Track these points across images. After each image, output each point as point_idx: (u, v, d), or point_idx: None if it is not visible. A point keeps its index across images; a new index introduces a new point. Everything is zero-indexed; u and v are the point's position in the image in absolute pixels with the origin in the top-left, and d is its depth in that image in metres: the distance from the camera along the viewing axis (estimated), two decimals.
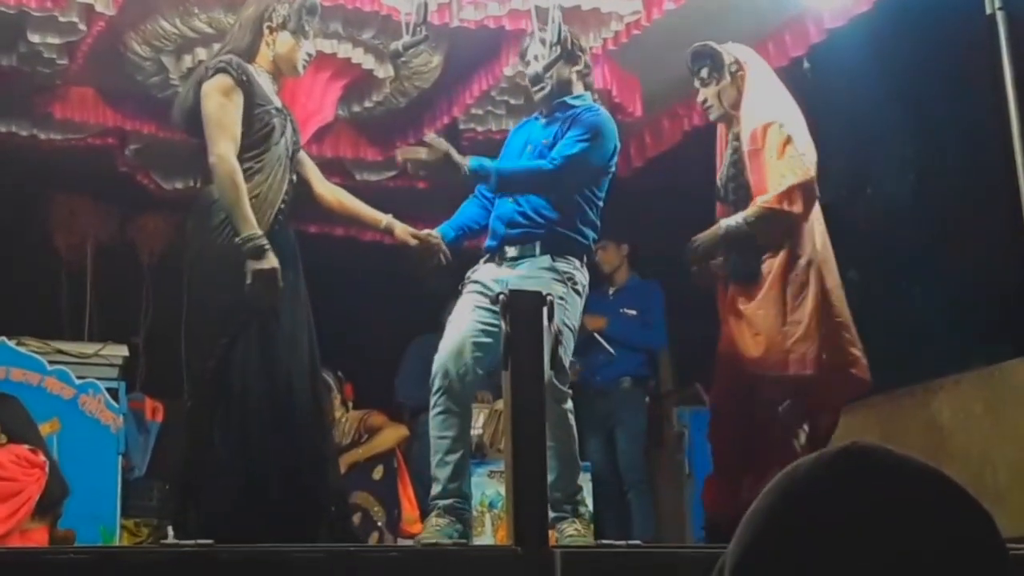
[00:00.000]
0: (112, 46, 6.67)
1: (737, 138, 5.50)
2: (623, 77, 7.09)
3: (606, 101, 7.21)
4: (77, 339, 8.12)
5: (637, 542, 5.11)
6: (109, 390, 7.26)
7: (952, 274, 6.63)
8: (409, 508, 7.21)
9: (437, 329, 7.70)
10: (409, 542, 6.37)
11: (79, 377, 7.21)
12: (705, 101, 5.63)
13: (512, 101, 7.30)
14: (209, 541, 4.09)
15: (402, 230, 5.34)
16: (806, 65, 6.75)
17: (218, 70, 4.91)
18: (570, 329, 5.04)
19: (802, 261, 5.29)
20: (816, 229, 5.37)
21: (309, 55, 5.23)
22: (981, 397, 5.82)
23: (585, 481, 6.46)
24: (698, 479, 7.23)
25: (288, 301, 4.94)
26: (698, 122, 7.59)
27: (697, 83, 5.64)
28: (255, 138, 4.95)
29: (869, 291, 7.29)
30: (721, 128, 5.73)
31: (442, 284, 5.77)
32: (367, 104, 7.32)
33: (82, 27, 6.36)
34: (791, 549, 1.18)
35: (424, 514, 5.72)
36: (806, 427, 5.34)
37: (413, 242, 5.28)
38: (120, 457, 7.15)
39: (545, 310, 4.47)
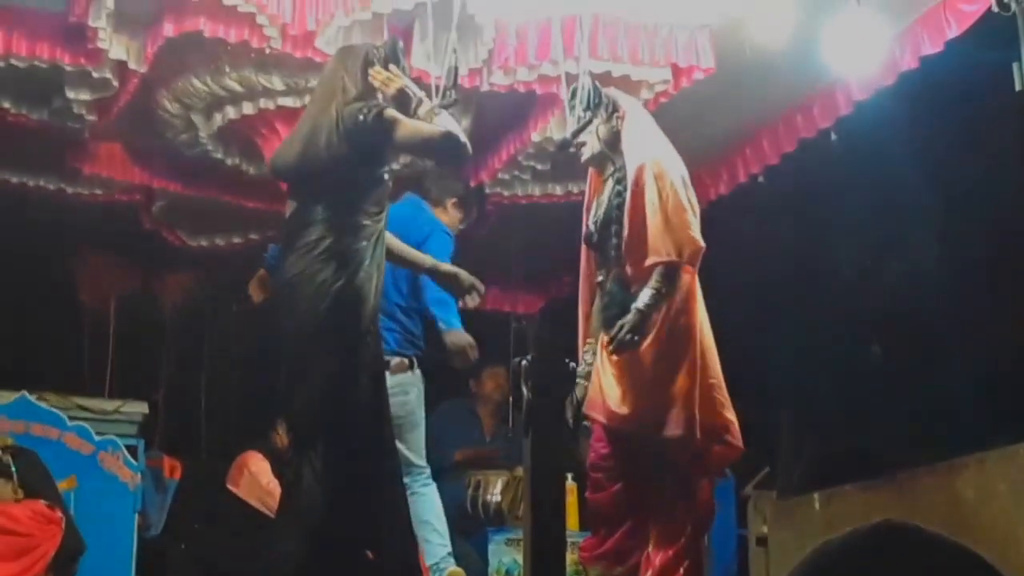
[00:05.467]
0: (143, 103, 6.71)
1: (620, 180, 5.21)
2: None
3: None
4: (98, 395, 8.11)
5: None
6: (128, 447, 7.26)
7: (976, 351, 6.58)
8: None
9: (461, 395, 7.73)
10: None
11: (99, 433, 7.21)
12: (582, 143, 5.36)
13: (539, 167, 7.30)
14: None
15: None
16: (833, 137, 6.76)
17: (383, 108, 4.92)
18: None
19: (683, 318, 5.04)
20: (695, 282, 5.13)
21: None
22: (1005, 475, 5.76)
23: None
24: (718, 553, 7.17)
25: None
26: (723, 190, 7.60)
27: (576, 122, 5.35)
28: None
29: (892, 366, 7.25)
30: (592, 171, 5.49)
31: None
32: (394, 166, 7.33)
33: (115, 83, 6.39)
34: None
35: None
36: (683, 491, 5.18)
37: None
38: (137, 515, 7.13)
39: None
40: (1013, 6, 5.48)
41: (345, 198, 4.94)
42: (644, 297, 4.96)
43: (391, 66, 5.10)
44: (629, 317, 4.94)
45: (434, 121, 4.90)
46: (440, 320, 6.02)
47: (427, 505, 5.93)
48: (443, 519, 6.02)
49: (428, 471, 6.04)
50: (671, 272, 5.00)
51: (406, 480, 5.69)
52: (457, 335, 6.01)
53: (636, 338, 4.92)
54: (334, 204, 4.91)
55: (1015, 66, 5.57)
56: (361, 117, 4.83)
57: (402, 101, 5.03)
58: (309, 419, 4.84)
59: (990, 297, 6.66)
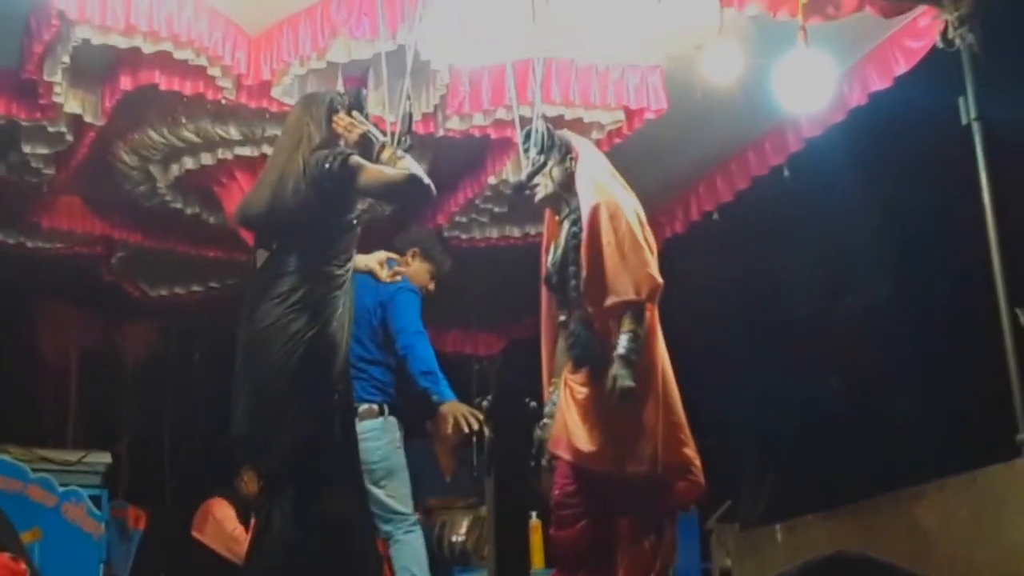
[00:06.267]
0: (100, 156, 6.71)
1: (575, 221, 5.13)
2: None
3: None
4: (60, 446, 8.09)
5: None
6: (92, 498, 7.23)
7: (933, 380, 6.66)
8: None
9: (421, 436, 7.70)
10: None
11: (62, 485, 7.18)
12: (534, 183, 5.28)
13: (496, 209, 7.36)
14: None
15: None
16: (786, 173, 6.84)
17: (347, 155, 4.93)
18: None
19: (646, 355, 4.96)
20: (656, 319, 5.07)
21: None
22: (965, 502, 5.82)
23: None
24: None
25: None
26: (679, 228, 7.67)
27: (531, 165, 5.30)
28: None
29: (850, 399, 7.32)
30: (548, 213, 5.43)
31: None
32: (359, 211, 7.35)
33: (70, 137, 6.41)
34: None
35: None
36: (649, 527, 5.14)
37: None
38: (102, 565, 7.10)
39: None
40: (958, 42, 5.58)
41: (316, 246, 4.95)
42: (623, 343, 4.86)
43: (354, 112, 5.14)
44: (616, 368, 4.81)
45: (397, 165, 4.94)
46: (433, 393, 5.96)
47: (408, 552, 5.90)
48: (424, 567, 5.96)
49: (413, 518, 6.00)
50: (639, 312, 4.94)
51: (388, 528, 5.73)
52: (453, 405, 5.92)
53: (630, 383, 4.79)
54: (305, 253, 4.93)
55: (961, 100, 5.67)
56: (327, 165, 4.86)
57: (365, 146, 5.06)
58: (281, 466, 4.85)
59: (944, 326, 6.73)
